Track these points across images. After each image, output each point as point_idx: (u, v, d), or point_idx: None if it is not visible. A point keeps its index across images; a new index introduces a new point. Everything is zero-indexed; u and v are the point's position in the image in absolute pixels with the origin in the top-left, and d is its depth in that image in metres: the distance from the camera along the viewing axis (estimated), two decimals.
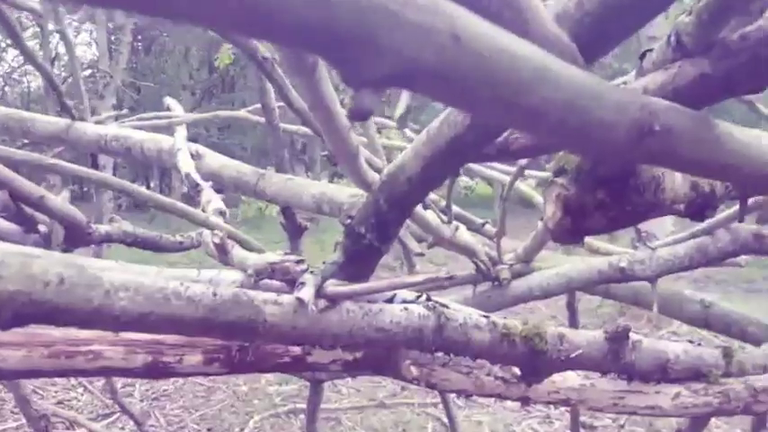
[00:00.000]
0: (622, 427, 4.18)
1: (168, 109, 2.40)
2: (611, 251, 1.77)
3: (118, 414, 4.23)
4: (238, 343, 0.92)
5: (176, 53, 15.32)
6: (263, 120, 2.04)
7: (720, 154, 0.56)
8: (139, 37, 15.45)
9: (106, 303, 0.59)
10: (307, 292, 0.76)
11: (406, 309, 0.89)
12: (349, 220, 0.85)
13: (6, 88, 13.86)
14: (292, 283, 0.81)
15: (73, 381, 4.58)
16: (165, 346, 0.87)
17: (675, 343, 1.19)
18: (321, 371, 0.99)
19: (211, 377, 5.12)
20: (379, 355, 1.02)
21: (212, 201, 1.24)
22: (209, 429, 4.33)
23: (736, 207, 1.53)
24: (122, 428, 4.10)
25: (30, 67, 14.89)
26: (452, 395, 2.90)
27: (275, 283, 0.84)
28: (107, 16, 11.98)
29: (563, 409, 4.93)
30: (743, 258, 1.80)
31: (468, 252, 1.32)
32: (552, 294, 1.54)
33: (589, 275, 1.53)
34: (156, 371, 0.87)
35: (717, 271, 7.07)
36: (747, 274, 8.02)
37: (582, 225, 0.67)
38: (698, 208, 0.74)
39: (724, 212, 1.58)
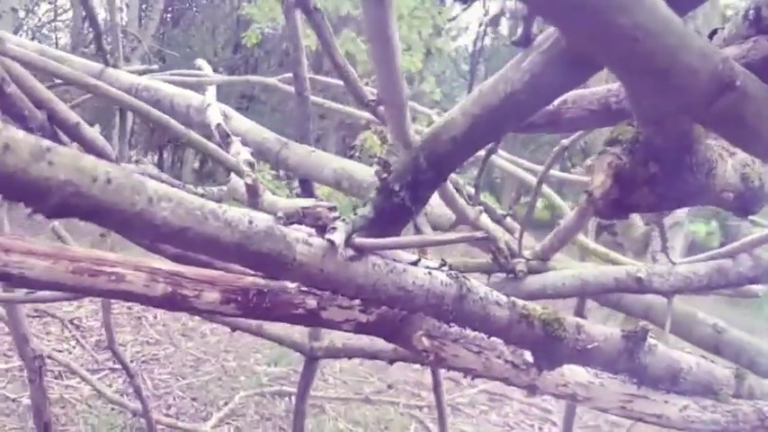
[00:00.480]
0: None
1: (199, 70, 2.40)
2: (627, 263, 1.75)
3: (107, 371, 4.25)
4: (257, 287, 0.92)
5: (204, 29, 15.38)
6: (291, 89, 2.03)
7: None
8: (170, 8, 15.52)
9: (148, 210, 0.58)
10: (338, 236, 0.75)
11: (429, 273, 0.88)
12: (385, 175, 0.84)
13: (35, 42, 13.93)
14: (322, 229, 0.81)
15: (66, 333, 4.59)
16: (186, 279, 0.87)
17: (689, 355, 1.18)
18: (333, 328, 0.98)
19: (203, 349, 5.12)
20: (392, 321, 1.01)
21: (241, 153, 1.23)
22: (193, 399, 4.33)
23: (765, 232, 1.53)
24: (110, 386, 4.11)
25: (59, 23, 14.99)
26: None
27: (304, 228, 0.83)
28: None
29: (547, 430, 4.92)
30: (760, 288, 1.79)
31: (489, 238, 1.31)
32: (566, 295, 1.53)
33: (605, 281, 1.52)
34: (173, 302, 0.86)
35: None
36: None
37: (628, 198, 0.66)
38: (745, 202, 0.73)
39: (749, 237, 1.57)
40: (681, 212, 4.76)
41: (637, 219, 5.35)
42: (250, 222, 0.68)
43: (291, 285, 0.93)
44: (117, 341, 4.81)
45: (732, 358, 1.70)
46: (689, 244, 7.32)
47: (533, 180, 1.66)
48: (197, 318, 4.66)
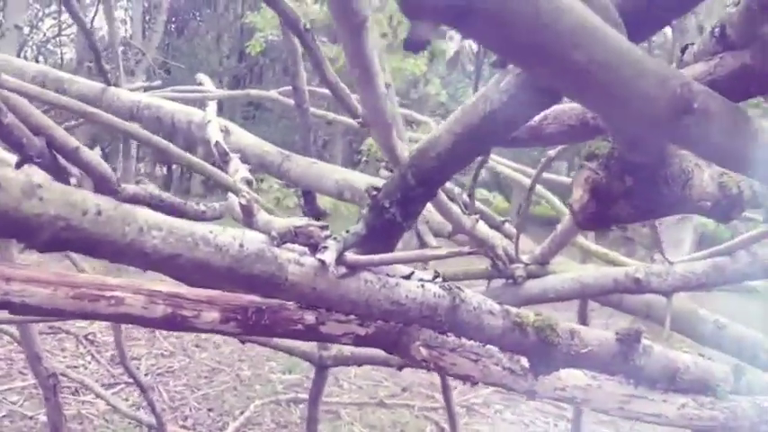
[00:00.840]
0: None
1: (200, 85, 2.43)
2: (627, 263, 1.76)
3: (122, 385, 4.29)
4: (255, 305, 0.94)
5: (208, 38, 15.51)
6: (292, 102, 2.06)
7: (755, 148, 0.56)
8: (173, 19, 15.66)
9: (139, 240, 0.61)
10: (329, 255, 0.77)
11: (422, 286, 0.90)
12: (375, 193, 0.86)
13: (40, 58, 14.10)
14: (314, 248, 0.83)
15: (81, 349, 4.64)
16: (185, 300, 0.89)
17: (686, 354, 1.19)
18: (332, 342, 1.01)
19: (217, 359, 5.16)
20: (390, 332, 1.03)
21: (239, 170, 1.26)
22: (209, 409, 4.36)
23: (761, 229, 1.53)
24: (126, 399, 4.15)
25: (64, 39, 15.16)
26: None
27: (297, 247, 0.85)
28: None
29: (563, 427, 4.91)
30: (760, 284, 1.79)
31: (486, 246, 1.33)
32: (565, 298, 1.54)
33: (604, 283, 1.53)
34: (173, 323, 0.88)
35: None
36: None
37: (606, 212, 0.68)
38: (723, 209, 0.74)
39: (746, 234, 1.57)
40: None
41: None
42: (241, 246, 0.70)
43: (289, 302, 0.95)
44: (132, 355, 4.87)
45: (734, 354, 1.70)
46: (699, 237, 7.28)
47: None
48: None
